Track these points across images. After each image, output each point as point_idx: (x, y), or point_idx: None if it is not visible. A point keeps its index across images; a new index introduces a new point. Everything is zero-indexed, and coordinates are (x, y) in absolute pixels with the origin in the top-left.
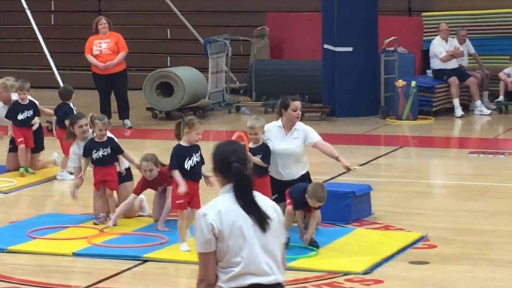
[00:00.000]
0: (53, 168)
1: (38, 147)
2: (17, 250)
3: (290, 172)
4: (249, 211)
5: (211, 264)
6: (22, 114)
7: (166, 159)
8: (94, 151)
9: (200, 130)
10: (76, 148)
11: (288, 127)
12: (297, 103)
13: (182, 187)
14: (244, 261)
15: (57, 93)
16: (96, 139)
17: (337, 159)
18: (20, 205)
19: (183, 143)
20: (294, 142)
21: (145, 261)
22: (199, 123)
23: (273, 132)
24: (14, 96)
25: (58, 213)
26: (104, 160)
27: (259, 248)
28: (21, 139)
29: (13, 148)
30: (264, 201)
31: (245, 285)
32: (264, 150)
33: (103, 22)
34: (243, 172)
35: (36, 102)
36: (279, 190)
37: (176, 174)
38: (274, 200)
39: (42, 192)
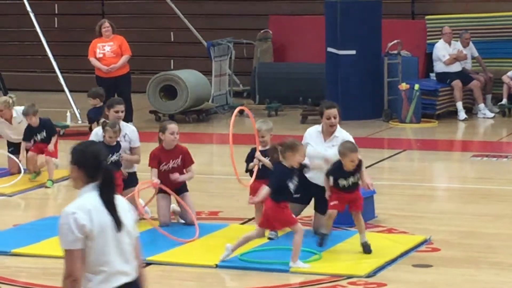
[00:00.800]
0: (56, 170)
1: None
2: (20, 253)
3: (320, 177)
4: (111, 210)
5: (78, 260)
6: (35, 136)
7: None
8: (110, 155)
9: (304, 152)
10: (100, 131)
11: (327, 134)
12: (331, 111)
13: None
14: (114, 260)
15: (59, 96)
16: (106, 143)
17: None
18: (23, 208)
19: (286, 164)
20: (329, 150)
21: (148, 264)
22: (301, 145)
23: (312, 136)
24: (15, 113)
25: None
26: (117, 164)
27: (124, 247)
28: (32, 148)
29: (13, 151)
30: (120, 201)
31: (118, 285)
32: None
33: (106, 25)
34: (111, 170)
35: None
36: (305, 190)
37: (265, 191)
38: (296, 199)
39: (46, 195)
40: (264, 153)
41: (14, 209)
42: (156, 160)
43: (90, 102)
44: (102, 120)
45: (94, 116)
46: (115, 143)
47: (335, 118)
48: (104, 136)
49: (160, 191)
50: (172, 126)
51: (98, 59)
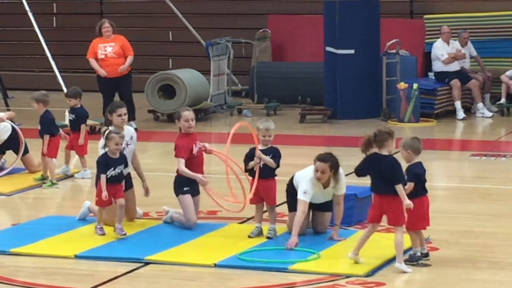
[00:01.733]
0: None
1: (25, 149)
2: (19, 253)
3: (317, 201)
4: None
5: None
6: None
7: (167, 162)
8: (112, 168)
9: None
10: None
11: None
12: (318, 165)
13: None
14: None
15: (58, 95)
16: (110, 155)
17: (334, 225)
18: (22, 207)
19: (385, 152)
20: (330, 193)
21: (146, 263)
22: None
23: (311, 183)
24: None
25: (61, 216)
26: (119, 178)
27: None
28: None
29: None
30: None
31: None
32: (273, 153)
33: (106, 25)
34: None
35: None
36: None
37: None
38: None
39: (45, 194)
40: (263, 152)
41: (13, 209)
42: (187, 150)
43: (71, 102)
44: (104, 128)
45: (86, 115)
46: (118, 155)
47: (323, 173)
48: (107, 147)
49: (188, 191)
50: (186, 114)
51: (100, 60)
